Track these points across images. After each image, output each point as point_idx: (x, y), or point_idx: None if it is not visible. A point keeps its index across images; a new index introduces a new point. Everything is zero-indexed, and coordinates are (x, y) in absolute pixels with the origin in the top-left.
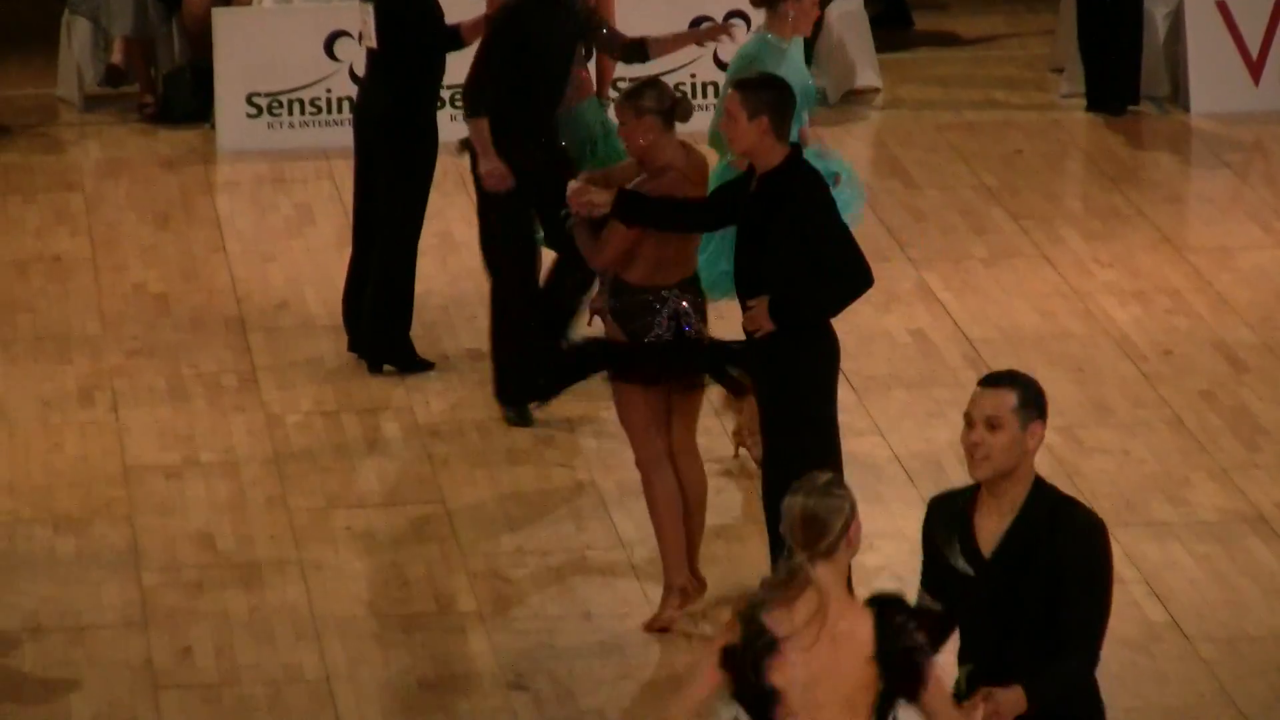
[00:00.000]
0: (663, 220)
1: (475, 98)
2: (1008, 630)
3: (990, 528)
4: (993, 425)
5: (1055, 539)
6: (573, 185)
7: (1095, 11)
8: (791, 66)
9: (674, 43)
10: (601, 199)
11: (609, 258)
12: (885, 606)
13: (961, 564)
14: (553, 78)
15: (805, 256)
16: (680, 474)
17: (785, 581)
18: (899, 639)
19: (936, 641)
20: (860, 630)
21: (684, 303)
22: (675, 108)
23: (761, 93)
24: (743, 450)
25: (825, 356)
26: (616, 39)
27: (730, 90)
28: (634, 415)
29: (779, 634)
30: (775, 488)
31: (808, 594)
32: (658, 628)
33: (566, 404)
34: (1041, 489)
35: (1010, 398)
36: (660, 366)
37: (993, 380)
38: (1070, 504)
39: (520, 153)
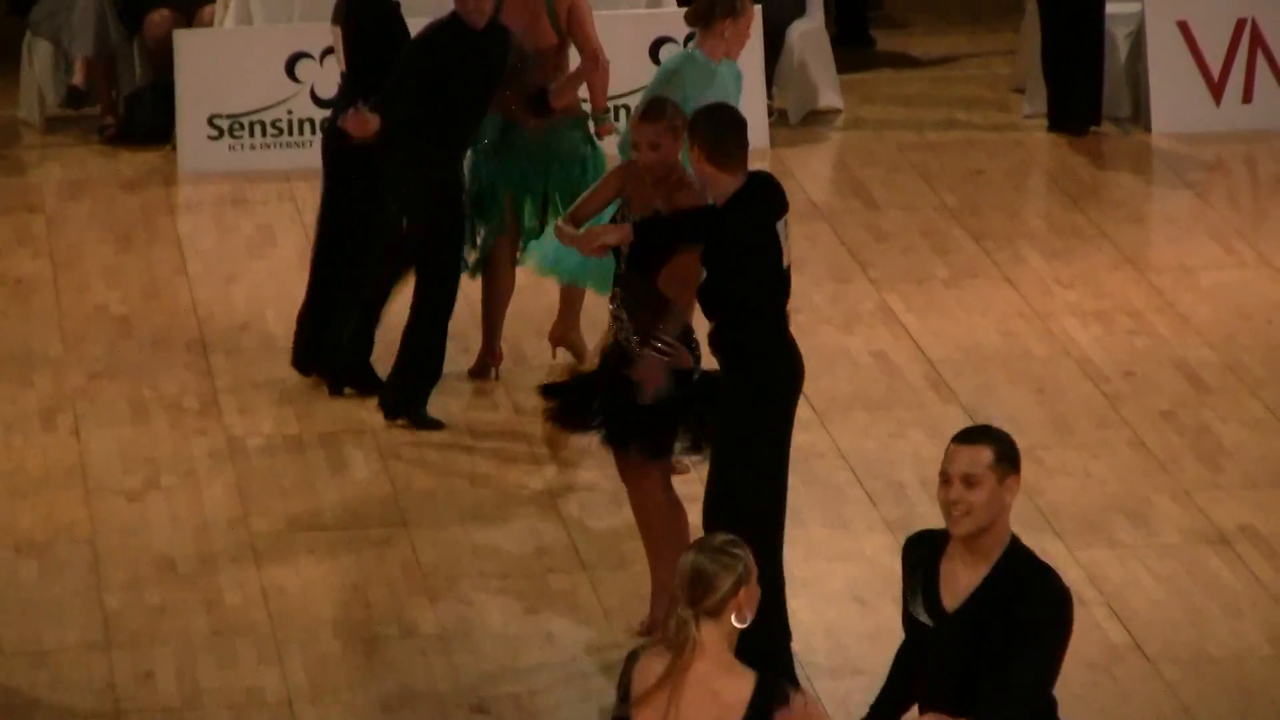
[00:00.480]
0: (685, 234)
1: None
2: (962, 683)
3: (959, 580)
4: (970, 482)
5: (1024, 602)
6: (564, 229)
7: (1057, 32)
8: (719, 89)
9: (570, 84)
10: (613, 237)
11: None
12: (769, 677)
13: (922, 614)
14: (460, 112)
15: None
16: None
17: (670, 635)
18: (773, 703)
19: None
20: (734, 693)
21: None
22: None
23: (697, 125)
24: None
25: (780, 393)
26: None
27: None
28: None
29: (634, 687)
30: (713, 516)
31: (666, 653)
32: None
33: (529, 424)
34: (1017, 549)
35: (986, 454)
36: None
37: (968, 436)
38: (1045, 571)
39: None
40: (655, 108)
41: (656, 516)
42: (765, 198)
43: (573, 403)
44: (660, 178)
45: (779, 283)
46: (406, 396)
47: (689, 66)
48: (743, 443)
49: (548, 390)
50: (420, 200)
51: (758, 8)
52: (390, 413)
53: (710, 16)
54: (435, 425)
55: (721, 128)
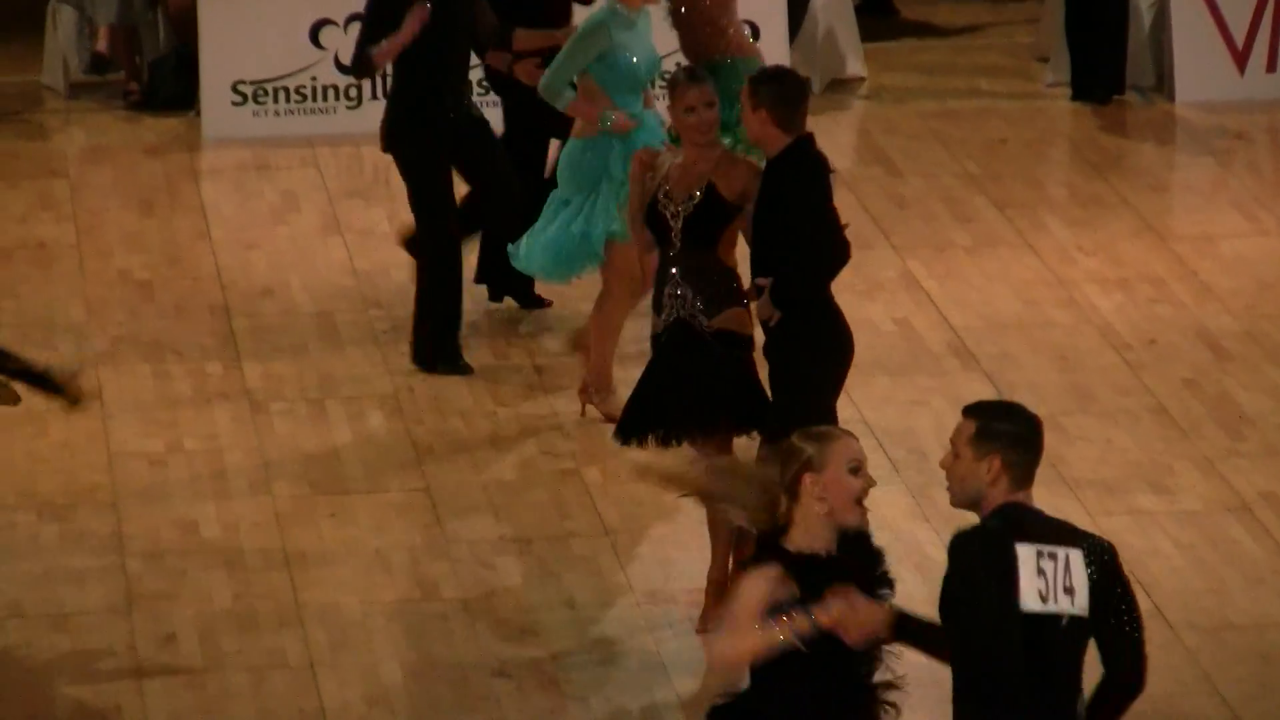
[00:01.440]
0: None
1: (355, 60)
2: None
3: None
4: (955, 453)
5: None
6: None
7: (1081, 1)
8: (638, 37)
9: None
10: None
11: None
12: None
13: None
14: (448, 50)
15: (792, 236)
16: None
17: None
18: None
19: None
20: None
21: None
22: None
23: (762, 87)
24: (590, 407)
25: (836, 353)
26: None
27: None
28: None
29: None
30: None
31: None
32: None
33: (550, 396)
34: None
35: (969, 426)
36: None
37: (967, 408)
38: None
39: (433, 125)
40: (695, 72)
41: None
42: (818, 154)
43: (645, 411)
44: (704, 146)
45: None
46: (431, 350)
47: (611, 19)
48: (808, 397)
49: (622, 431)
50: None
51: None
52: (422, 364)
53: None
54: (465, 370)
55: (788, 89)
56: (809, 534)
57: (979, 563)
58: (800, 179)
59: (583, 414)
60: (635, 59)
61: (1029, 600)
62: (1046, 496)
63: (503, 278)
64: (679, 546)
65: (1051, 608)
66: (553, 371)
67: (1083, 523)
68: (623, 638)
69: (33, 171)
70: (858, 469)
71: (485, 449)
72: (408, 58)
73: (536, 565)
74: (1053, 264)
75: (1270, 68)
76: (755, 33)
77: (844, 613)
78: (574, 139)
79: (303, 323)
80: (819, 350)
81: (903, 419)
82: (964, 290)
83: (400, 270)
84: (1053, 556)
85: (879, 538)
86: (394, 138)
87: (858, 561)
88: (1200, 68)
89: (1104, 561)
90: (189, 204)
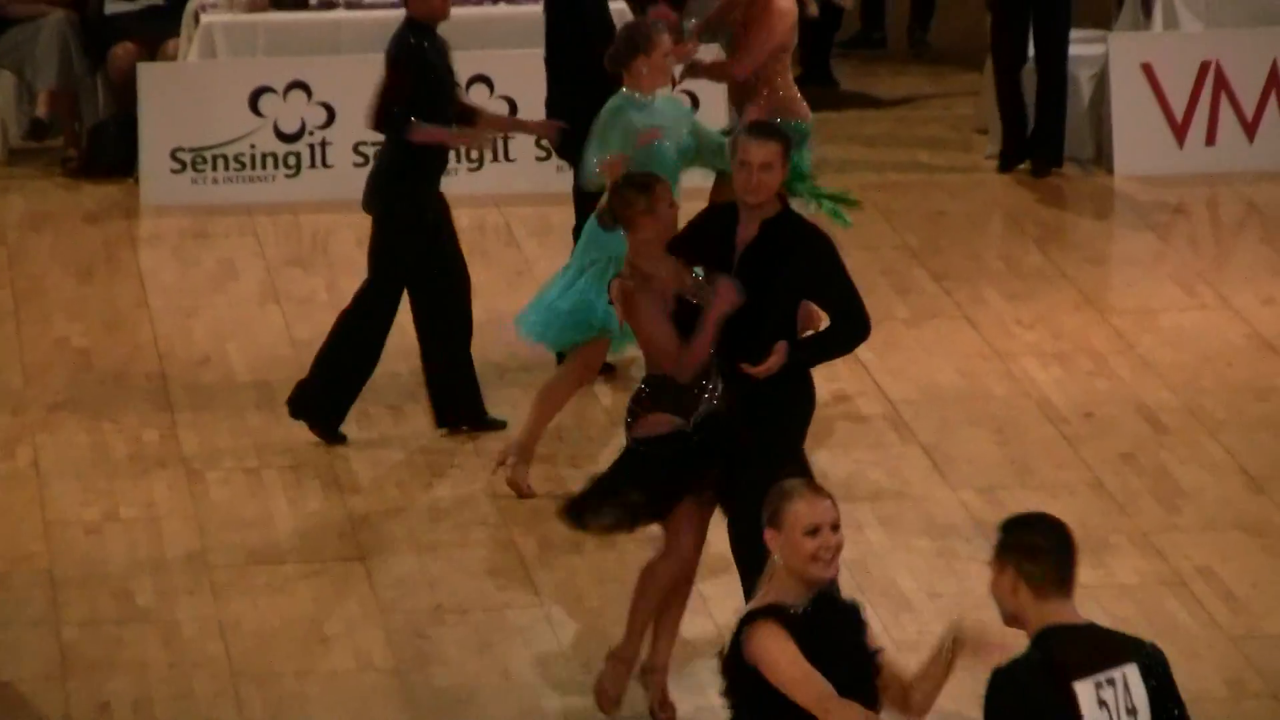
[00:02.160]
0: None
1: (391, 118)
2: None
3: None
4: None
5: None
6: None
7: (1011, 74)
8: (660, 117)
9: (502, 124)
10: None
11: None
12: None
13: None
14: (444, 105)
15: (814, 299)
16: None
17: None
18: None
19: None
20: None
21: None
22: None
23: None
24: (501, 468)
25: (811, 404)
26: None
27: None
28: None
29: None
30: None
31: None
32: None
33: (485, 468)
34: None
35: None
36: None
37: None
38: None
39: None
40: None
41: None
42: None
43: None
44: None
45: None
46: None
47: (628, 104)
48: (789, 449)
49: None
50: None
51: (667, 37)
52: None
53: (621, 59)
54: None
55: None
56: (780, 587)
57: (1018, 706)
58: (819, 243)
59: (493, 473)
60: (664, 141)
61: None
62: (983, 569)
63: (452, 404)
64: (614, 619)
65: None
66: (485, 440)
67: None
68: (558, 708)
69: None
70: (815, 530)
71: (421, 519)
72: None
73: (472, 635)
74: (991, 337)
75: (1210, 140)
76: (696, 103)
77: None
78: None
79: (240, 391)
80: (803, 407)
81: (840, 490)
82: (902, 362)
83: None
84: (1111, 683)
85: None
86: (381, 195)
87: (834, 619)
88: (1140, 140)
89: (1159, 671)
90: (128, 271)
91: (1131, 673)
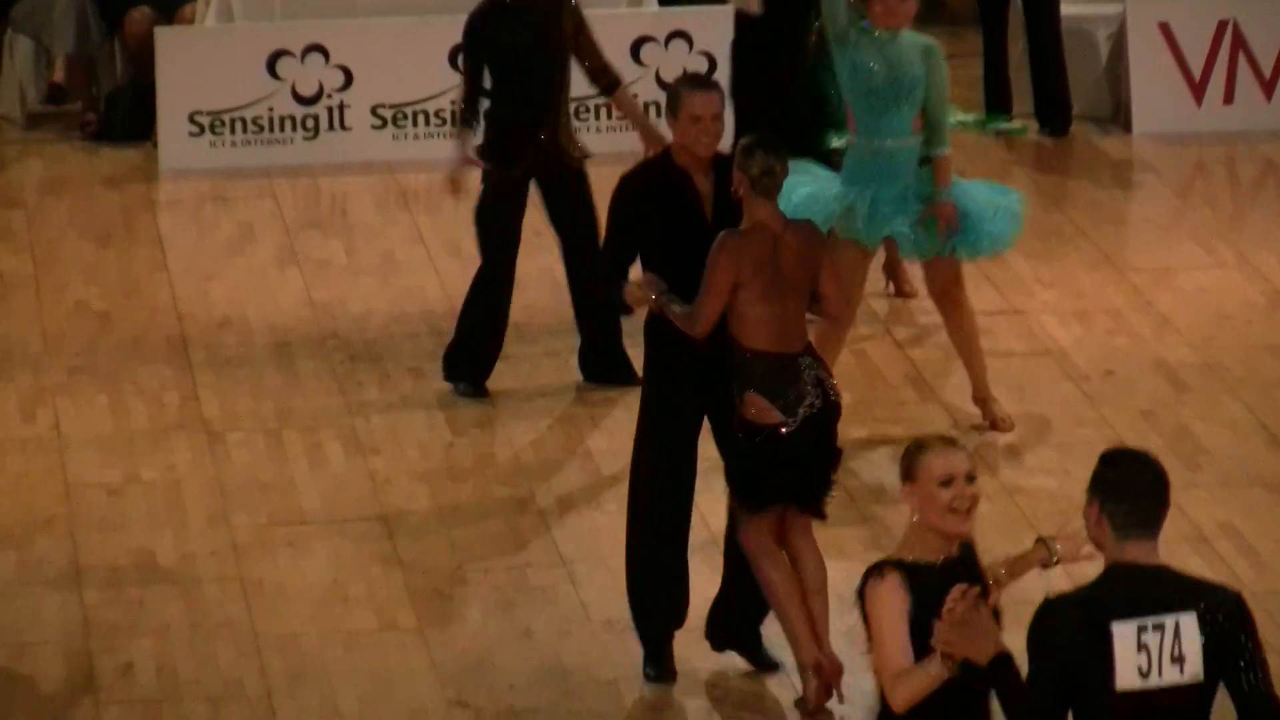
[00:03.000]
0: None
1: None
2: None
3: None
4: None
5: None
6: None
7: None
8: (880, 56)
9: (631, 111)
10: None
11: (704, 324)
12: None
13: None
14: (525, 81)
15: None
16: (798, 553)
17: None
18: None
19: None
20: None
21: (821, 370)
22: (761, 177)
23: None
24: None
25: None
26: (597, 67)
27: None
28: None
29: None
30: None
31: None
32: (810, 713)
33: (511, 422)
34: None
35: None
36: (815, 440)
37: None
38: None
39: (517, 155)
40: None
41: (774, 574)
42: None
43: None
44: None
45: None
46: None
47: (861, 33)
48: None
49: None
50: None
51: None
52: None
53: None
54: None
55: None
56: (919, 543)
57: (1053, 638)
58: None
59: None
60: (874, 69)
61: (1127, 680)
62: (1005, 527)
63: (597, 358)
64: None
65: (1155, 683)
66: (507, 400)
67: None
68: (580, 667)
69: None
70: (949, 480)
71: (442, 479)
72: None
73: (494, 596)
74: (1011, 296)
75: (1227, 99)
76: (713, 66)
77: (960, 622)
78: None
79: (260, 354)
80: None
81: (860, 452)
82: (923, 322)
83: (356, 302)
84: (1159, 628)
85: (833, 570)
86: (483, 151)
87: (969, 573)
88: (1158, 99)
89: (1224, 621)
90: (146, 235)
91: (1187, 621)
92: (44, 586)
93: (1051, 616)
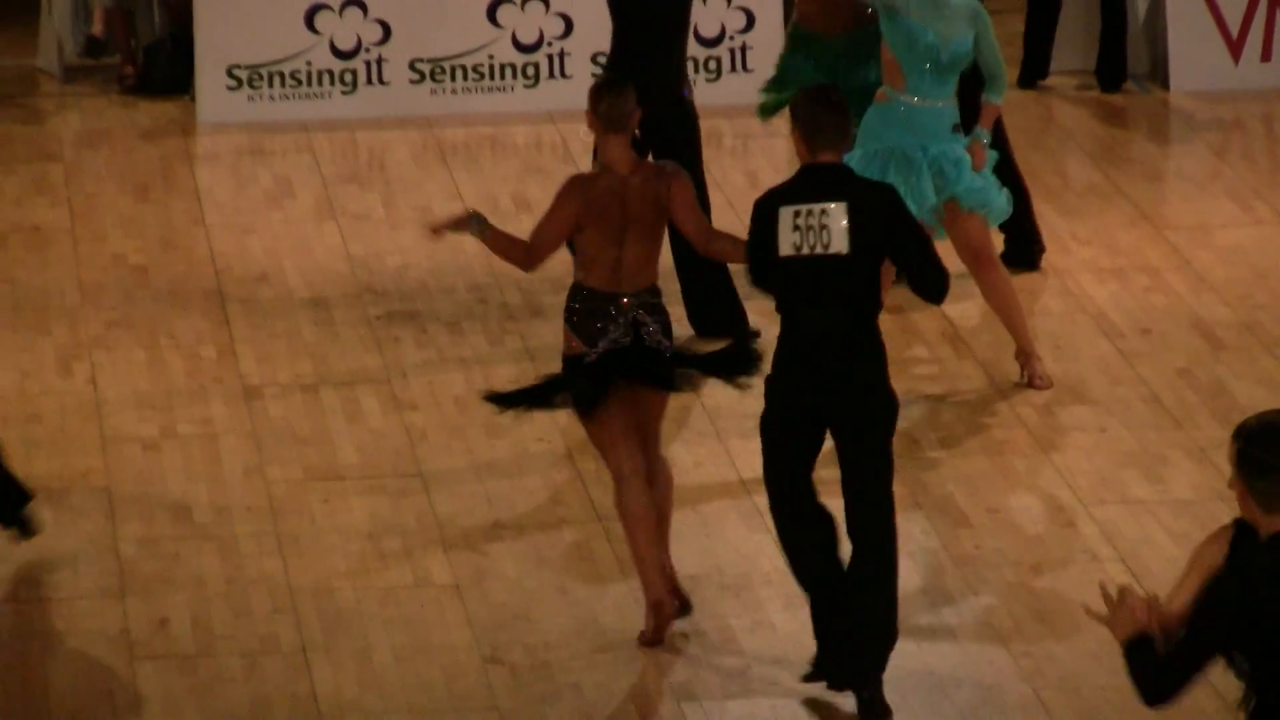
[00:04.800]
0: None
1: None
2: None
3: None
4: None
5: None
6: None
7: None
8: (942, 19)
9: None
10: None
11: (532, 254)
12: None
13: None
14: (652, 25)
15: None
16: (652, 477)
17: None
18: None
19: None
20: None
21: (644, 313)
22: (611, 114)
23: (797, 107)
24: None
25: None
26: None
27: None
28: (597, 430)
29: None
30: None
31: None
32: (647, 643)
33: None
34: None
35: (1231, 448)
36: (619, 373)
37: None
38: None
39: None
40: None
41: (632, 505)
42: (794, 182)
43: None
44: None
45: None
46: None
47: None
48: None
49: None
50: None
51: None
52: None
53: None
54: None
55: (811, 114)
56: None
57: (1236, 608)
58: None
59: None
60: (932, 37)
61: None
62: (1040, 485)
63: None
64: (671, 534)
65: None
66: (546, 357)
67: (1075, 513)
68: (614, 624)
69: (28, 155)
70: None
71: (479, 435)
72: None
73: (529, 551)
74: (1048, 253)
75: (1265, 57)
76: (750, 20)
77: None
78: (873, 105)
79: (297, 308)
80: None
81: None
82: (958, 279)
83: (394, 256)
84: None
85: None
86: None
87: None
88: (1195, 57)
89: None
90: (184, 188)
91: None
92: (80, 540)
93: (1230, 589)
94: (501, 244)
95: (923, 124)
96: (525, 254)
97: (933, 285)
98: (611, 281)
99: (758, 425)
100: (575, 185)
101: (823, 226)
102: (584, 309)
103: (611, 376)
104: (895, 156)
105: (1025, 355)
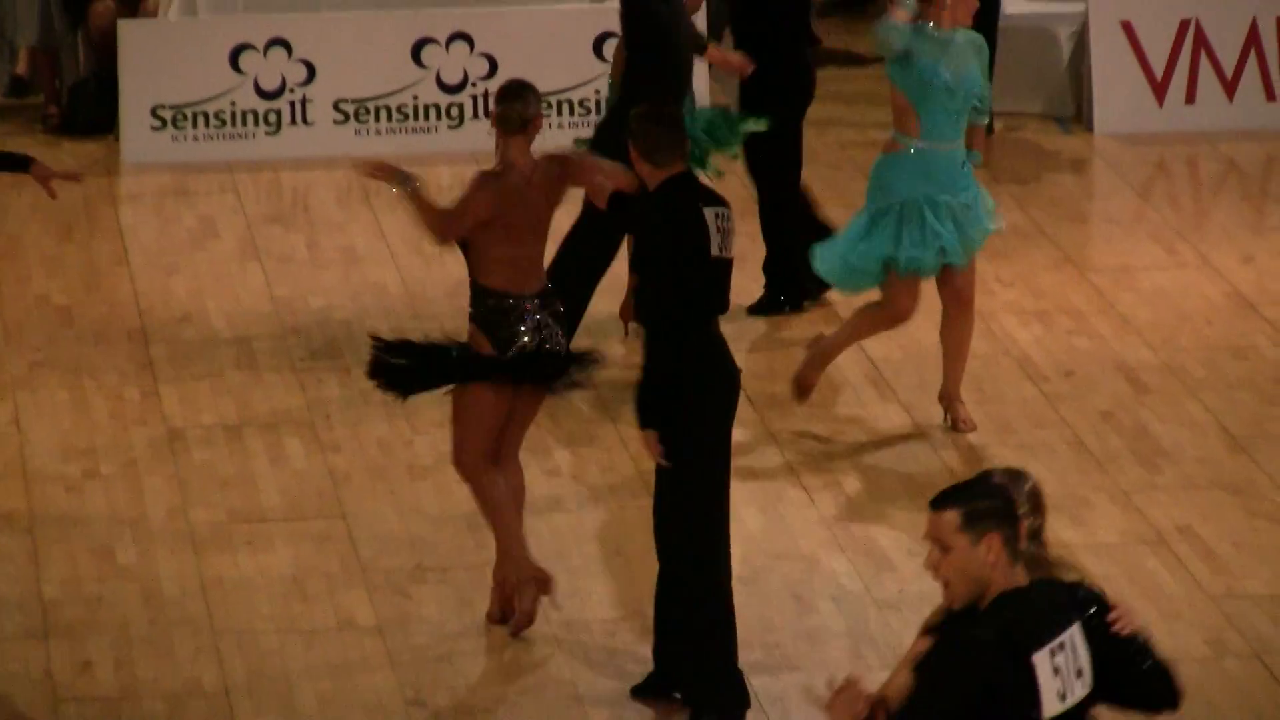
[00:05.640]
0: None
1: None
2: None
3: None
4: (944, 547)
5: None
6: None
7: None
8: (952, 57)
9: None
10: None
11: (444, 235)
12: None
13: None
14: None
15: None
16: (507, 476)
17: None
18: None
19: None
20: None
21: (548, 314)
22: (510, 117)
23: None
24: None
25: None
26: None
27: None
28: (474, 420)
29: None
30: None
31: None
32: (525, 625)
33: None
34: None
35: (953, 516)
36: (522, 376)
37: (935, 500)
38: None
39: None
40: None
41: (495, 490)
42: (690, 188)
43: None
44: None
45: (706, 275)
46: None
47: (917, 33)
48: (674, 454)
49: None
50: None
51: None
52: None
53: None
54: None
55: (657, 127)
56: None
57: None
58: (647, 222)
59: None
60: (948, 77)
61: (1051, 708)
62: None
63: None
64: (592, 576)
65: (1070, 702)
66: None
67: None
68: (538, 666)
69: None
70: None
71: (402, 477)
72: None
73: (452, 594)
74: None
75: (1189, 99)
76: None
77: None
78: (882, 155)
79: (221, 349)
80: (694, 399)
81: (820, 448)
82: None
83: (318, 297)
84: (1062, 647)
85: (793, 569)
86: None
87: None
88: (1120, 98)
89: (1097, 624)
90: (108, 229)
91: (1076, 634)
92: (3, 581)
93: (977, 652)
94: (425, 207)
95: (938, 169)
96: (444, 223)
97: None
98: (515, 282)
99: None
100: (487, 179)
101: (730, 230)
102: (495, 309)
103: (519, 379)
104: (908, 209)
105: (950, 399)
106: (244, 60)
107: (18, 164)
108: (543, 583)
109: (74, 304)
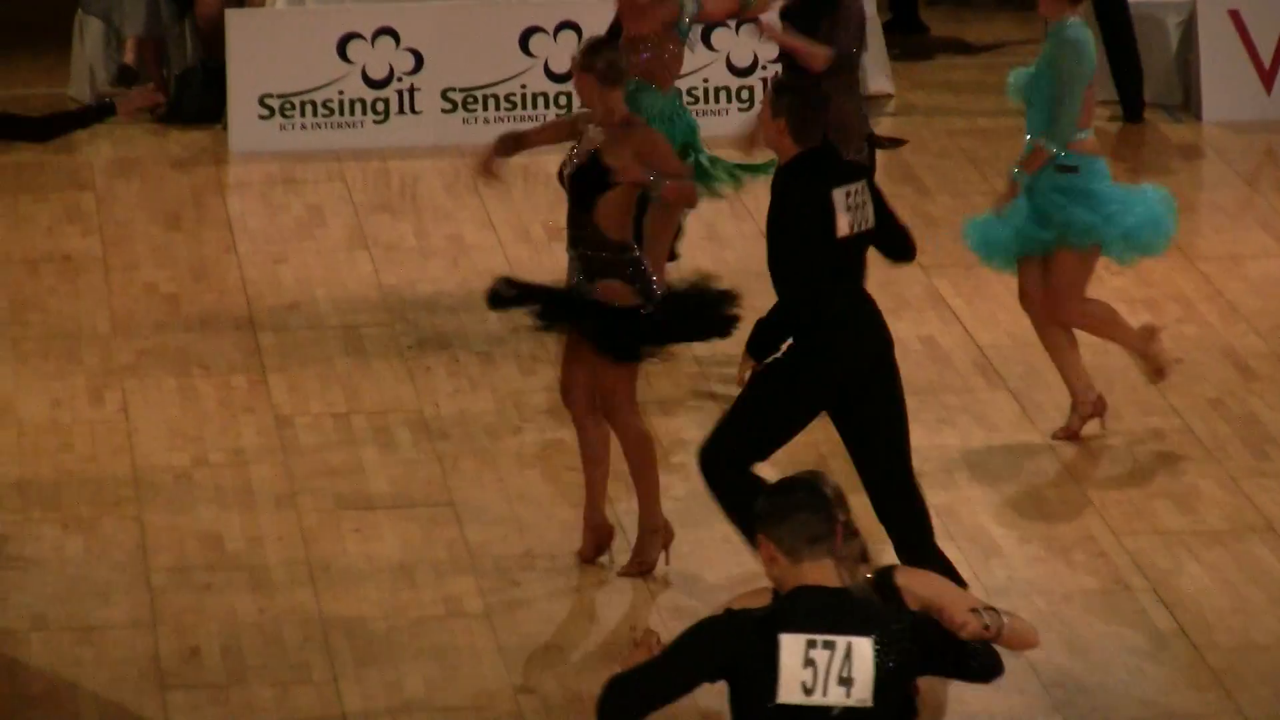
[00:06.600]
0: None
1: None
2: None
3: None
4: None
5: None
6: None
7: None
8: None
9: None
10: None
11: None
12: None
13: None
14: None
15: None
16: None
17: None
18: None
19: None
20: None
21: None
22: (617, 64)
23: (782, 97)
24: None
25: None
26: None
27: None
28: (630, 384)
29: None
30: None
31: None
32: (638, 571)
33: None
34: None
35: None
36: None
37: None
38: None
39: None
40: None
41: (636, 445)
42: (821, 165)
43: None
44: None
45: (831, 252)
46: None
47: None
48: (755, 390)
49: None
50: None
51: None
52: None
53: None
54: None
55: (815, 113)
56: None
57: (727, 647)
58: (780, 195)
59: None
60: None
61: (790, 695)
62: (1073, 515)
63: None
64: (703, 562)
65: (817, 701)
66: None
67: (1107, 542)
68: None
69: (60, 184)
70: None
71: (510, 464)
72: None
73: (561, 581)
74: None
75: None
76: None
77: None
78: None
79: (329, 337)
80: (798, 362)
81: (929, 437)
82: (991, 309)
83: (426, 285)
84: (829, 646)
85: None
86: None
87: None
88: (1227, 87)
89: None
90: (215, 218)
91: (860, 644)
92: (111, 569)
93: (716, 624)
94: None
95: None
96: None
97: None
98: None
99: None
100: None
101: (864, 203)
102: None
103: (668, 340)
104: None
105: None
106: (352, 49)
107: (104, 111)
108: (602, 532)
109: (182, 293)
